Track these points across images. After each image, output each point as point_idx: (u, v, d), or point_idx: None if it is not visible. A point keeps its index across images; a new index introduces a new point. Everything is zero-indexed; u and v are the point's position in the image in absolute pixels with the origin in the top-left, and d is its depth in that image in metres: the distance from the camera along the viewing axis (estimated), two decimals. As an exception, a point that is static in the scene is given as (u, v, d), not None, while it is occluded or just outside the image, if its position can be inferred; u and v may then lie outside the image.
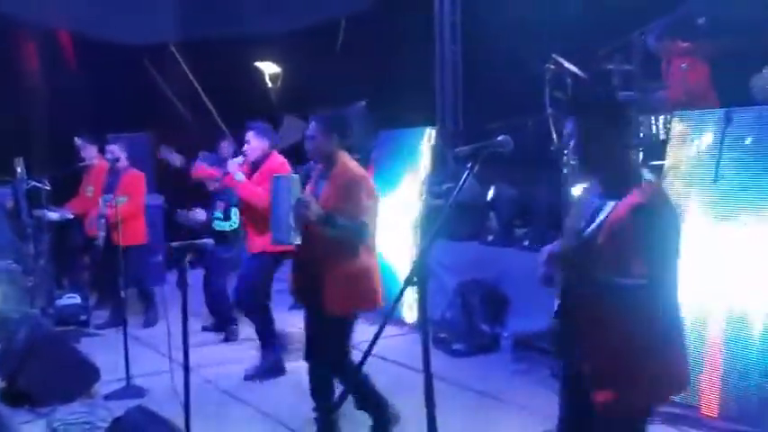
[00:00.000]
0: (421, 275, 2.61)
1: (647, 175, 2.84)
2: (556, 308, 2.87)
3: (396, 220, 7.59)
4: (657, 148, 5.88)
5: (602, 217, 2.77)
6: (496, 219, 7.50)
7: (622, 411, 2.77)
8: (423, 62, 10.21)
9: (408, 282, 2.60)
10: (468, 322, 6.58)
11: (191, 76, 11.60)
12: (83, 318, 7.64)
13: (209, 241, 4.38)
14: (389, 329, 6.52)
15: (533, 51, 7.38)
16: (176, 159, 7.29)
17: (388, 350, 6.21)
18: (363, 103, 9.67)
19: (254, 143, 5.95)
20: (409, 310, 7.03)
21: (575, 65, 6.79)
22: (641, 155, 6.20)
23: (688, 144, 5.05)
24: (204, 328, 7.36)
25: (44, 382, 5.31)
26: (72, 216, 7.87)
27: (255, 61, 11.90)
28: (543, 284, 2.85)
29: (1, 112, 9.53)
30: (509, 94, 8.07)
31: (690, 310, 4.70)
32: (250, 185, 5.80)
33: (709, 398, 4.65)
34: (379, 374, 5.87)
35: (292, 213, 4.21)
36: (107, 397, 5.50)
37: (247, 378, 5.99)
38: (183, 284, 3.83)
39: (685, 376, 2.92)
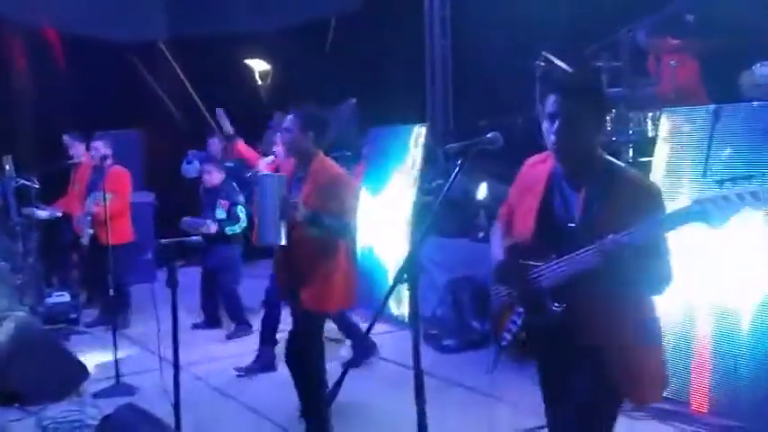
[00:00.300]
0: (411, 272, 2.61)
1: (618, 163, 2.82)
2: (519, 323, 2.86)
3: (387, 217, 7.60)
4: (647, 145, 5.91)
5: (581, 205, 2.74)
6: (487, 216, 7.50)
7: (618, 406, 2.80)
8: (413, 60, 10.22)
9: (399, 278, 2.60)
10: (458, 319, 6.60)
11: (180, 74, 11.57)
12: (72, 316, 7.61)
13: (198, 239, 4.38)
14: (380, 326, 6.57)
15: (523, 48, 7.39)
16: (228, 127, 7.24)
17: (378, 347, 6.23)
18: (354, 100, 9.68)
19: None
20: (400, 306, 7.03)
21: (564, 61, 6.80)
22: (631, 151, 6.23)
23: (677, 140, 5.07)
24: (195, 326, 7.35)
25: (33, 380, 5.30)
26: (61, 214, 7.84)
27: (245, 59, 11.87)
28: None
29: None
30: (499, 91, 8.08)
31: (679, 307, 4.73)
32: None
33: (698, 394, 4.66)
34: (369, 371, 5.92)
35: (279, 213, 4.15)
36: (96, 395, 5.49)
37: (239, 373, 5.99)
38: (172, 283, 3.83)
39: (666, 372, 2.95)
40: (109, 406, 4.69)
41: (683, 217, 2.57)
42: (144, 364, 5.94)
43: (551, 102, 2.74)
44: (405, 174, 7.64)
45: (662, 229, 2.60)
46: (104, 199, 6.13)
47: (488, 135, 2.73)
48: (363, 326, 6.10)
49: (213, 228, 6.96)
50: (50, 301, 7.59)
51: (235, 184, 7.46)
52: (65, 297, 7.69)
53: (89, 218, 7.25)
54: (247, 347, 6.42)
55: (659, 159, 5.15)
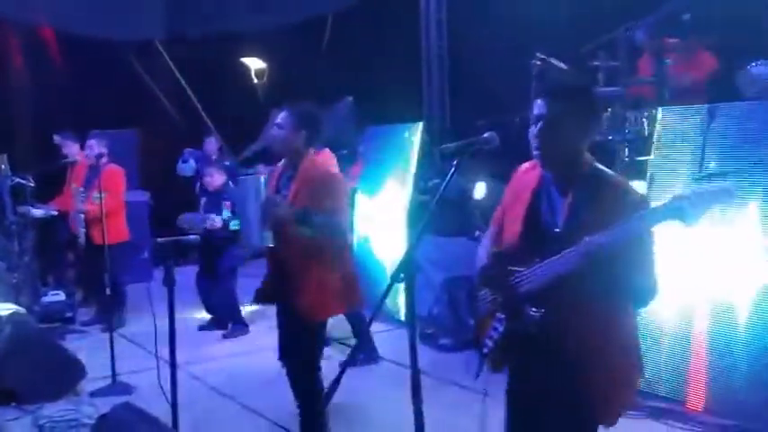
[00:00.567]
0: (408, 271, 2.61)
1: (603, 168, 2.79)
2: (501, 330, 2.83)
3: (383, 216, 7.60)
4: (643, 144, 5.92)
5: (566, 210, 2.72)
6: (482, 215, 7.51)
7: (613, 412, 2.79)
8: (409, 58, 10.21)
9: (395, 278, 2.59)
10: (454, 317, 6.61)
11: (176, 73, 11.57)
12: (68, 315, 7.62)
13: (194, 238, 4.37)
14: (377, 325, 6.58)
15: (520, 47, 7.38)
16: None
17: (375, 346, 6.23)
18: (350, 98, 9.68)
19: None
20: (396, 305, 7.04)
21: (561, 61, 6.80)
22: (627, 150, 6.23)
23: (673, 139, 5.08)
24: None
25: (30, 379, 5.28)
26: (56, 213, 7.82)
27: (241, 57, 11.88)
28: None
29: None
30: (496, 90, 8.08)
31: (675, 306, 4.74)
32: None
33: (694, 392, 4.68)
34: (366, 370, 5.92)
35: (261, 214, 4.04)
36: (93, 394, 5.48)
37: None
38: (169, 281, 3.82)
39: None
40: (105, 405, 4.68)
41: (660, 214, 2.54)
42: (141, 363, 5.93)
43: (537, 105, 2.73)
44: (401, 172, 7.65)
45: (640, 226, 2.55)
46: (100, 198, 6.10)
47: (485, 135, 2.71)
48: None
49: (218, 222, 6.90)
50: (46, 299, 7.59)
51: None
52: (60, 296, 7.69)
53: (81, 215, 7.23)
54: (244, 347, 6.42)
55: (655, 158, 5.16)
